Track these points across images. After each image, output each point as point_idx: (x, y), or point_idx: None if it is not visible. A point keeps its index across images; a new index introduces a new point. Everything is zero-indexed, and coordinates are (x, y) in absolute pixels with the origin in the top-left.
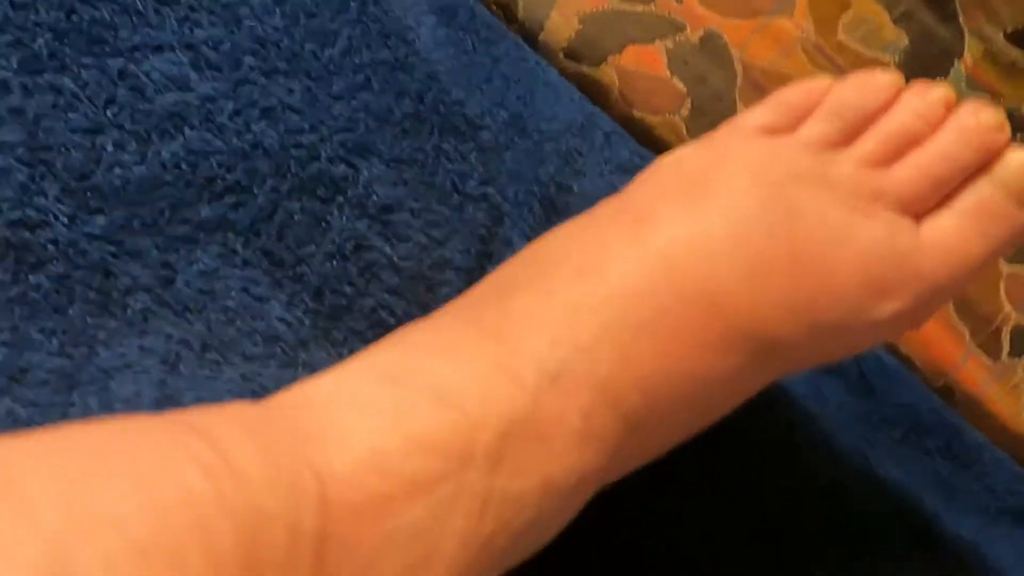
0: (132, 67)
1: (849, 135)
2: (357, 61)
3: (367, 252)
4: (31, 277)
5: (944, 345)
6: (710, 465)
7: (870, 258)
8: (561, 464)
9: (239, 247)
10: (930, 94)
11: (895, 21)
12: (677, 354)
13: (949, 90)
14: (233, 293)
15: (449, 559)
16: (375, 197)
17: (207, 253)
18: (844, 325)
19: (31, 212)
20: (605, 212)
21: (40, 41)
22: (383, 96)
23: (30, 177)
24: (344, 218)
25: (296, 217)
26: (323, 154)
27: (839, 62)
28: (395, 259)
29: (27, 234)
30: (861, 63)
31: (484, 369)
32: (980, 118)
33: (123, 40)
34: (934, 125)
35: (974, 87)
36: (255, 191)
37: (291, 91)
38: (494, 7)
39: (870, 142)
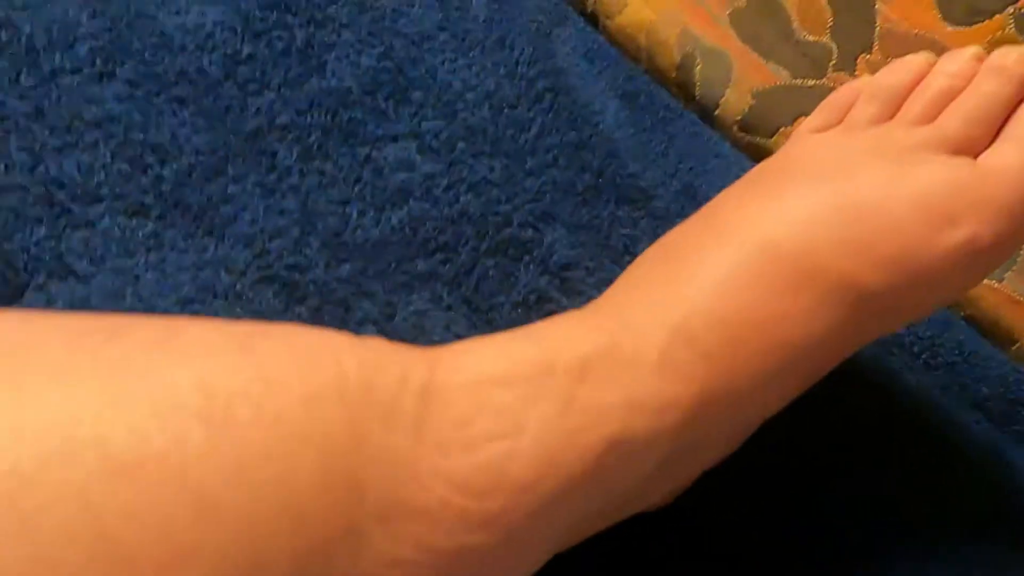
0: (375, 153)
1: (892, 109)
2: (548, 143)
3: (547, 303)
4: (296, 307)
5: None
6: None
7: (928, 193)
8: (641, 387)
9: (445, 294)
10: (961, 55)
11: None
12: (754, 300)
13: (978, 48)
14: (438, 330)
15: (532, 438)
16: (556, 257)
17: (420, 297)
18: (915, 258)
19: (300, 259)
20: (704, 212)
21: (312, 137)
22: (567, 171)
23: (300, 233)
24: (529, 274)
25: (491, 272)
26: (515, 221)
27: None
28: (571, 310)
29: (297, 275)
30: None
31: (573, 323)
32: (1010, 57)
33: (370, 132)
34: (970, 78)
35: None
36: (459, 250)
37: (492, 169)
38: (674, 88)
39: (913, 105)
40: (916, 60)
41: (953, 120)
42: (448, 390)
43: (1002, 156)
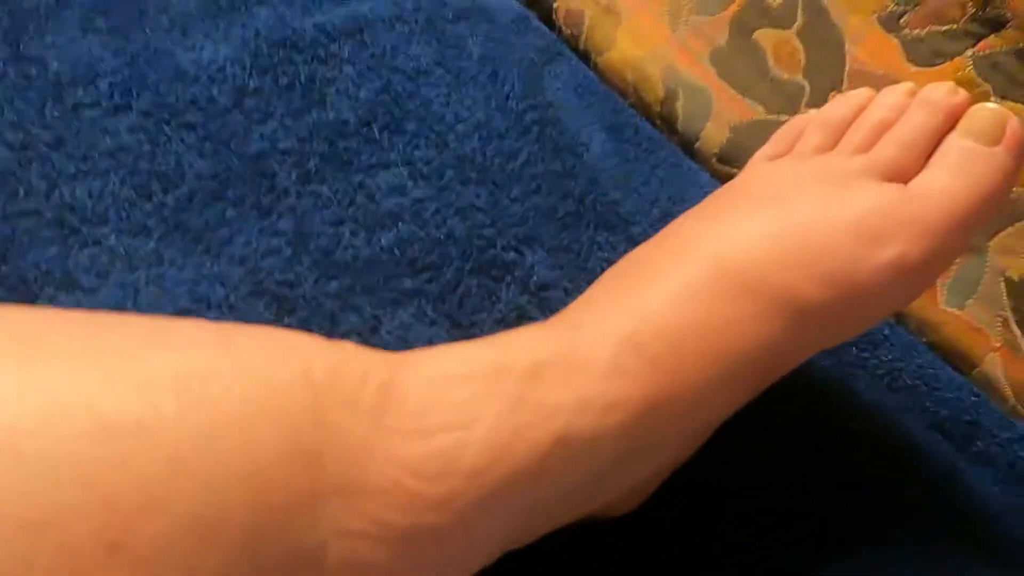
0: (368, 179)
1: (835, 139)
2: (533, 171)
3: (526, 320)
4: (285, 319)
5: None
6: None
7: (861, 215)
8: (589, 389)
9: (429, 310)
10: (896, 90)
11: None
12: (700, 312)
13: (913, 84)
14: (420, 343)
15: (484, 430)
16: (536, 278)
17: (406, 312)
18: (848, 274)
19: (291, 276)
20: (662, 234)
21: (311, 163)
22: (550, 198)
23: (293, 253)
24: (510, 293)
25: (474, 291)
26: (499, 243)
27: None
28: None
29: (287, 290)
30: None
31: (531, 332)
32: (938, 91)
33: (364, 161)
34: (904, 111)
35: None
36: (444, 269)
37: (479, 195)
38: (658, 122)
39: (853, 136)
40: (858, 95)
41: (887, 148)
42: (407, 386)
43: (929, 181)
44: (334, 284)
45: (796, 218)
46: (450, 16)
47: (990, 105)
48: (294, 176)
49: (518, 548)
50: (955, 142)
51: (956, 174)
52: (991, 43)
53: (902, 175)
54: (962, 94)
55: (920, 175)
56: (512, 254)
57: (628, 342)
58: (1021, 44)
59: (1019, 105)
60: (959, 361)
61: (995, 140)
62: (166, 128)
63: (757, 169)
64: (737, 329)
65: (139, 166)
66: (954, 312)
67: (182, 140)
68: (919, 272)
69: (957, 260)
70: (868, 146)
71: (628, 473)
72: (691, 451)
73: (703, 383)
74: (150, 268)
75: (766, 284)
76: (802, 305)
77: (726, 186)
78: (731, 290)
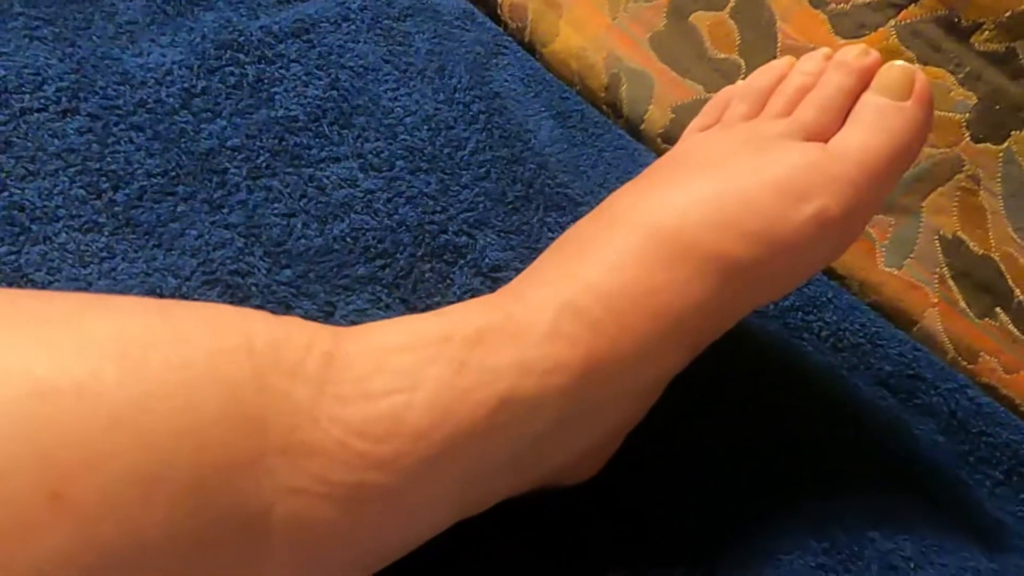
0: (319, 173)
1: (760, 107)
2: (481, 158)
3: None
4: (238, 306)
5: None
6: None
7: (784, 175)
8: (531, 352)
9: (383, 295)
10: (814, 56)
11: (961, 83)
12: (637, 276)
13: (829, 50)
14: None
15: (427, 393)
16: (488, 260)
17: (360, 298)
18: (774, 231)
19: (243, 265)
20: (600, 207)
21: (261, 158)
22: (500, 183)
23: (244, 244)
24: (464, 276)
25: (427, 275)
26: (450, 228)
27: None
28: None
29: (239, 279)
30: (935, 123)
31: (474, 304)
32: (851, 53)
33: (314, 155)
34: (821, 75)
35: None
36: (398, 256)
37: (429, 183)
38: (604, 107)
39: (775, 102)
40: (779, 64)
41: (807, 111)
42: (351, 355)
43: (847, 138)
44: (287, 272)
45: (724, 182)
46: (396, 14)
47: (899, 63)
48: (244, 172)
49: (473, 517)
50: (869, 100)
51: (871, 130)
52: (912, 12)
53: (822, 135)
54: (873, 54)
55: (839, 134)
56: (464, 238)
57: (568, 307)
58: (939, 11)
59: (940, 70)
60: (900, 319)
61: (905, 95)
62: (114, 129)
63: (688, 141)
64: (673, 291)
65: (88, 166)
66: (893, 272)
67: (131, 140)
68: (841, 225)
69: (893, 222)
70: (790, 110)
71: (575, 436)
72: (639, 415)
73: (642, 344)
74: (102, 263)
75: (698, 246)
76: (733, 264)
77: (659, 159)
78: (666, 254)
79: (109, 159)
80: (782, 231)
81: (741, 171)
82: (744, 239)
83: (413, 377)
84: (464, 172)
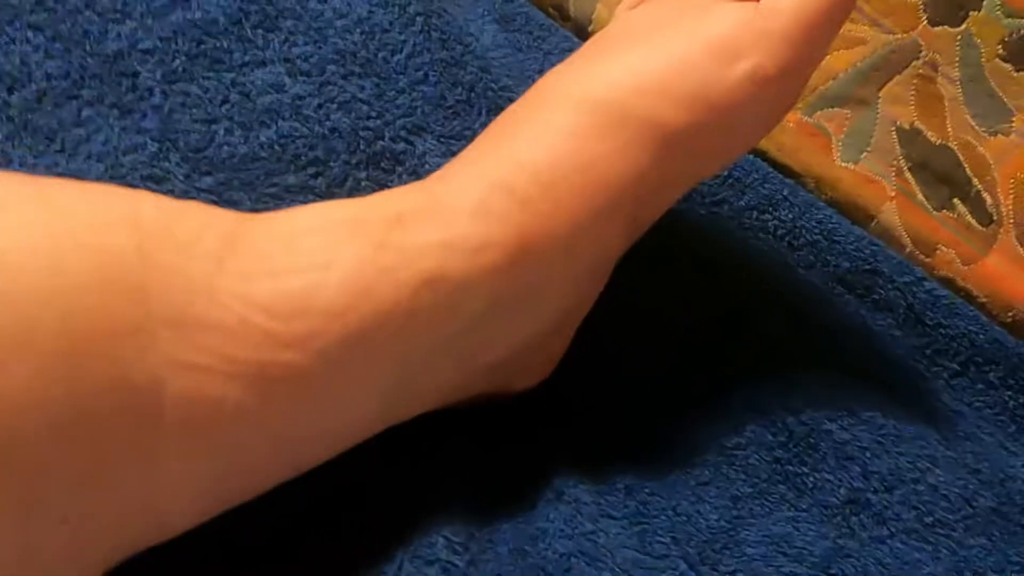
0: (242, 78)
1: None
2: (419, 62)
3: None
4: None
5: (1013, 280)
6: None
7: (716, 35)
8: (457, 230)
9: None
10: None
11: None
12: (569, 150)
13: None
14: None
15: (342, 271)
16: (428, 166)
17: (290, 207)
18: (708, 93)
19: (157, 171)
20: (531, 89)
21: (177, 62)
22: (439, 87)
23: (159, 149)
24: (402, 183)
25: (363, 183)
26: (387, 135)
27: (867, 11)
28: None
29: (154, 185)
30: (891, 6)
31: (397, 188)
32: None
33: (236, 60)
34: None
35: (1011, 14)
36: (331, 164)
37: (363, 88)
38: (550, 9)
39: None
40: None
41: None
42: (256, 236)
43: None
44: (208, 180)
45: (655, 49)
46: None
47: None
48: (158, 75)
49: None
50: None
51: None
52: None
53: None
54: None
55: None
56: (402, 144)
57: (496, 185)
58: None
59: None
60: (858, 214)
61: None
62: (8, 29)
63: (620, 19)
64: (606, 163)
65: None
66: (850, 167)
67: (27, 41)
68: (776, 84)
69: (849, 114)
70: None
71: (514, 322)
72: (584, 304)
73: (577, 220)
74: None
75: (630, 114)
76: (667, 131)
77: (591, 39)
78: (597, 126)
79: (2, 60)
80: (716, 92)
81: (672, 37)
82: (678, 103)
83: (326, 255)
84: (400, 76)
